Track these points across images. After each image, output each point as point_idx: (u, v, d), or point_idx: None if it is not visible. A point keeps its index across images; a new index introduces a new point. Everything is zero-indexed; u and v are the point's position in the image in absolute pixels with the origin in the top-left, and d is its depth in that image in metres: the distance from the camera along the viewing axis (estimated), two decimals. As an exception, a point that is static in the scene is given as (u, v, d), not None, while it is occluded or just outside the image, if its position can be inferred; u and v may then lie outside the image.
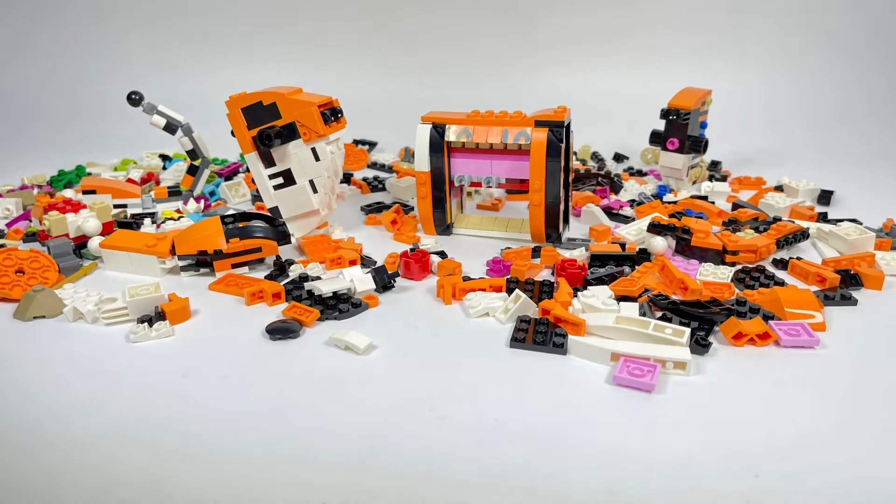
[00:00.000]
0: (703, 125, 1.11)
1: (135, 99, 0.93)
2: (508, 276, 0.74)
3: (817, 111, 1.43)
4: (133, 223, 0.90)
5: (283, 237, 0.79)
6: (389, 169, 1.20)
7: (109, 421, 0.52)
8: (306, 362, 0.59)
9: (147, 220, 0.90)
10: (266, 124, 0.82)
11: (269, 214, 0.84)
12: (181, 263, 0.76)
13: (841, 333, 0.64)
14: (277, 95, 0.81)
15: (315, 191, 0.85)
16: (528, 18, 1.53)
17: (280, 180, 0.85)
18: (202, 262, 0.76)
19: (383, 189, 1.09)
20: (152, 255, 0.75)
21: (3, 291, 0.69)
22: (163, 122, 0.95)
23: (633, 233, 0.86)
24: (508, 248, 0.81)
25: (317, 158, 0.83)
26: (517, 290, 0.68)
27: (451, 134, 0.83)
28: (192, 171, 0.99)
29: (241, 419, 0.52)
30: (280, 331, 0.63)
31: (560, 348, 0.60)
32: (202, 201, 0.99)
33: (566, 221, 0.88)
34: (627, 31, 1.51)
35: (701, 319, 0.63)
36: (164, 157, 1.22)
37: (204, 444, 0.49)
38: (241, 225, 0.78)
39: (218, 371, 0.58)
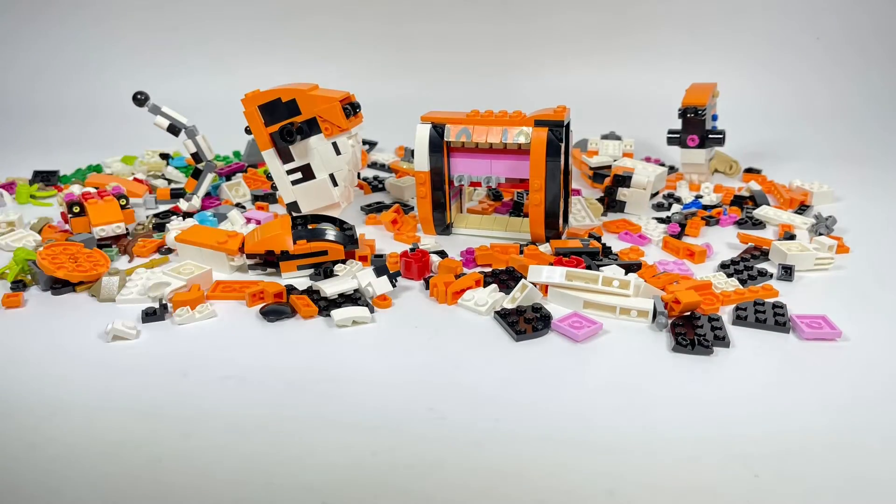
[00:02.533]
0: (714, 118, 1.14)
1: (140, 99, 0.95)
2: (489, 270, 0.77)
3: (818, 109, 1.43)
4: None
5: (351, 241, 0.79)
6: (389, 169, 1.21)
7: (110, 419, 0.53)
8: (307, 363, 0.61)
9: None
10: (284, 121, 0.84)
11: (338, 218, 0.84)
12: (249, 262, 0.78)
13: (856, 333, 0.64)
14: (297, 92, 0.83)
15: (335, 184, 0.87)
16: (528, 18, 1.54)
17: (298, 175, 0.87)
18: (269, 261, 0.77)
19: (383, 189, 1.10)
20: (222, 251, 0.77)
21: (64, 272, 0.73)
22: (166, 123, 0.97)
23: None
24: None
25: (338, 152, 0.86)
26: (523, 280, 0.70)
27: (451, 134, 0.84)
28: (196, 174, 1.01)
29: (242, 419, 0.53)
30: (273, 312, 0.67)
31: (547, 323, 0.65)
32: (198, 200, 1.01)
33: (565, 221, 0.89)
34: (628, 29, 1.52)
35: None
36: (165, 156, 1.23)
37: (204, 444, 0.51)
38: (310, 227, 0.79)
39: (218, 371, 0.59)
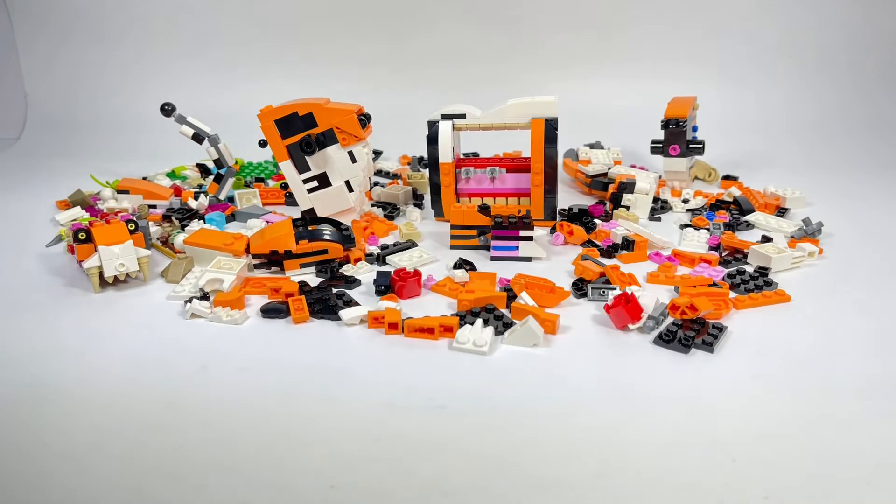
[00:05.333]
0: (695, 129, 1.15)
1: (167, 110, 0.99)
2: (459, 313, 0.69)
3: (790, 121, 1.47)
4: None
5: (348, 241, 0.81)
6: (394, 176, 1.21)
7: (135, 406, 0.56)
8: (316, 358, 0.63)
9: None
10: (300, 133, 0.87)
11: (335, 220, 0.86)
12: (255, 262, 0.80)
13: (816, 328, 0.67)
14: (314, 106, 0.86)
15: (351, 190, 0.91)
16: (518, 36, 1.57)
17: (315, 184, 0.90)
18: (273, 260, 0.80)
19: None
20: (228, 252, 0.79)
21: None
22: (191, 132, 1.00)
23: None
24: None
25: (353, 160, 0.89)
26: (529, 317, 0.64)
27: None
28: (218, 178, 1.04)
29: (256, 408, 0.55)
30: (272, 310, 0.69)
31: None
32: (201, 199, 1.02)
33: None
34: (613, 46, 1.55)
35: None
36: (204, 169, 1.22)
37: (221, 431, 0.52)
38: (310, 228, 0.81)
39: (235, 364, 0.61)
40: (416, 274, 0.75)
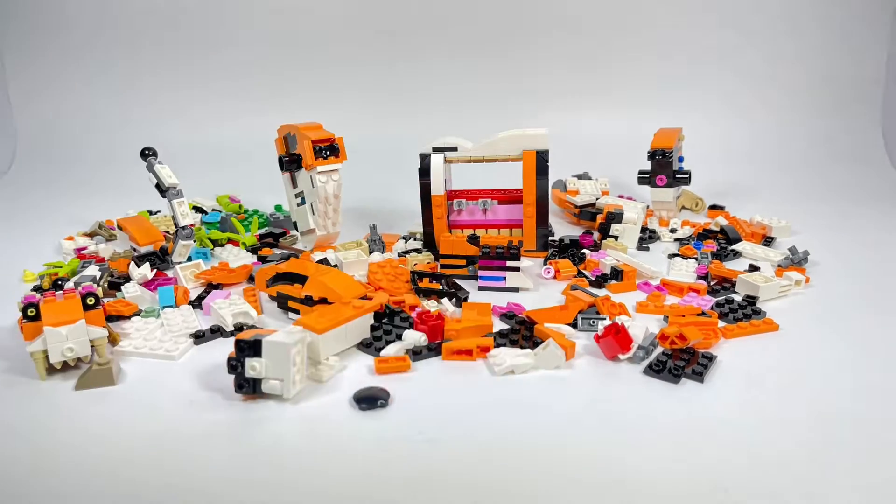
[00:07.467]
0: (681, 159, 1.18)
1: (146, 154, 0.92)
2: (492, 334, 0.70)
3: (775, 152, 1.50)
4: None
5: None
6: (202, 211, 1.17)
7: (123, 444, 0.55)
8: (303, 393, 0.62)
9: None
10: (295, 151, 0.94)
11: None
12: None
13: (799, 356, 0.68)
14: (294, 127, 0.94)
15: (313, 212, 0.95)
16: (509, 70, 1.60)
17: (299, 200, 0.97)
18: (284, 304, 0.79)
19: None
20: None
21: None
22: (155, 181, 0.91)
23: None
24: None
25: (312, 185, 0.92)
26: (550, 340, 0.65)
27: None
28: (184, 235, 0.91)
29: (244, 442, 0.55)
30: (367, 399, 0.59)
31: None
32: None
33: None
34: (599, 79, 1.59)
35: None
36: (199, 210, 1.17)
37: (208, 465, 0.52)
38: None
39: (222, 399, 0.61)
40: (440, 317, 0.72)
